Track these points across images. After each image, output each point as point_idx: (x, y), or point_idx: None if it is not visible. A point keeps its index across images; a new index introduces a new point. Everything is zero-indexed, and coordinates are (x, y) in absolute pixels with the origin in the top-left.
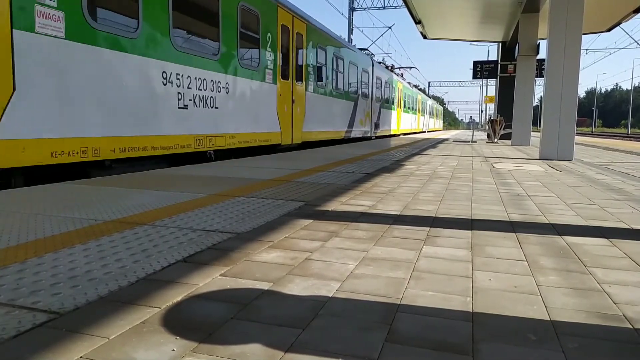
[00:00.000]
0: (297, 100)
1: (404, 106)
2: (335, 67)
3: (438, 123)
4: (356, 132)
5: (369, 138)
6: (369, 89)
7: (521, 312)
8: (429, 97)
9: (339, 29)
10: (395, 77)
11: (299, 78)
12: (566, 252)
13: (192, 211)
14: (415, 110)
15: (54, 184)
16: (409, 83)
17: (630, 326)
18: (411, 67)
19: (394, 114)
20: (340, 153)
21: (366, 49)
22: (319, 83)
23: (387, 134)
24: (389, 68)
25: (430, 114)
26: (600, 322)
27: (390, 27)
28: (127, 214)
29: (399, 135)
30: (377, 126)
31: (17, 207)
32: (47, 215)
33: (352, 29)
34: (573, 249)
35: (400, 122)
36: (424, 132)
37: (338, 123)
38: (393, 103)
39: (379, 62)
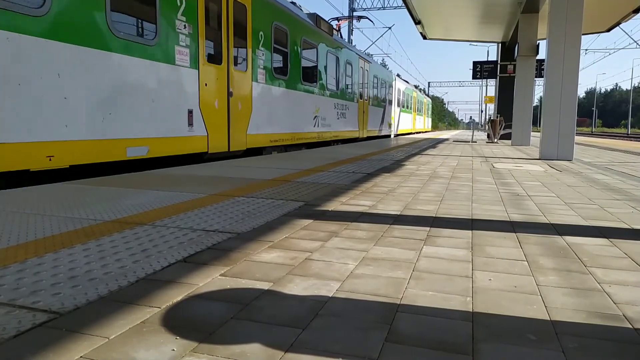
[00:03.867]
0: None
1: (323, 84)
2: None
3: (422, 121)
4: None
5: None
6: None
7: (521, 312)
8: (403, 81)
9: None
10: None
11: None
12: (566, 252)
13: (192, 211)
14: (352, 93)
15: (54, 184)
16: (352, 47)
17: (630, 326)
18: (360, 17)
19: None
20: (340, 153)
21: None
22: None
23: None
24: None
25: (405, 106)
26: (600, 322)
27: (390, 28)
28: (127, 214)
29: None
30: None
31: (17, 207)
32: (47, 215)
33: (352, 30)
34: (573, 249)
35: (291, 116)
36: (389, 135)
37: None
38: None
39: None
